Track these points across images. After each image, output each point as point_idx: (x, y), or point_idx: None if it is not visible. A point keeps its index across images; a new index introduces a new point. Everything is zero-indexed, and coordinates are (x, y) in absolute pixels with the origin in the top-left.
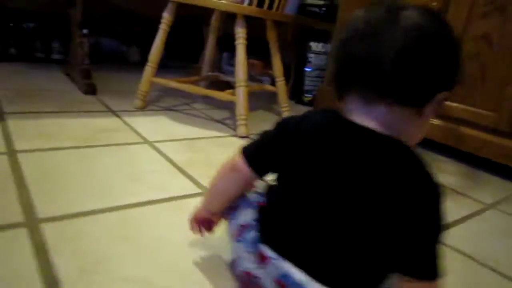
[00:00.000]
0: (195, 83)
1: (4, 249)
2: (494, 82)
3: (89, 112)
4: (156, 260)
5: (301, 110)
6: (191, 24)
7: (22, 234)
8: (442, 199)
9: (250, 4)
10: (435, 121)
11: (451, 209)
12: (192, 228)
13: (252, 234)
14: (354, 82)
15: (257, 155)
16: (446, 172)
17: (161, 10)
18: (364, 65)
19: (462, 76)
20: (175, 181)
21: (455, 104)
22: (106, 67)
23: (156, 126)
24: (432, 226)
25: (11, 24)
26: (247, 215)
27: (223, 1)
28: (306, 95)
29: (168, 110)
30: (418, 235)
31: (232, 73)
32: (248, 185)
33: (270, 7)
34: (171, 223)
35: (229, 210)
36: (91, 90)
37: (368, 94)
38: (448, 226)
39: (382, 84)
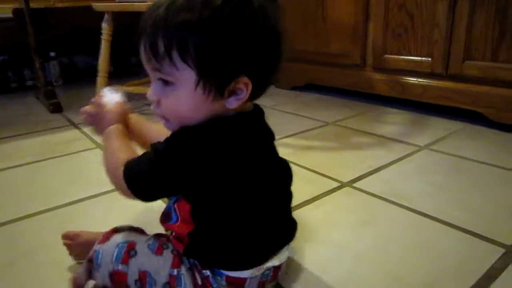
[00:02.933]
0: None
1: None
2: (422, 29)
3: (52, 129)
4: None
5: None
6: None
7: None
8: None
9: None
10: (379, 76)
11: (383, 156)
12: None
13: None
14: None
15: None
16: (389, 123)
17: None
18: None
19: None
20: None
21: (393, 56)
22: (81, 83)
23: None
24: None
25: None
26: None
27: None
28: None
29: None
30: None
31: None
32: None
33: None
34: (106, 212)
35: None
36: (56, 108)
37: None
38: (373, 173)
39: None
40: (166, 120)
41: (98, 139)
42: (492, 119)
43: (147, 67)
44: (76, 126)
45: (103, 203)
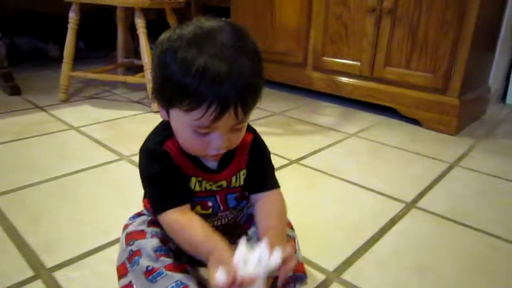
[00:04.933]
0: (112, 71)
1: None
2: (354, 38)
3: (18, 111)
4: (87, 206)
5: None
6: (105, 15)
7: None
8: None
9: None
10: (318, 75)
11: (321, 141)
12: None
13: None
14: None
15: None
16: (325, 114)
17: (66, 8)
18: None
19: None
20: (99, 153)
21: (330, 59)
22: (27, 66)
23: (80, 114)
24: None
25: None
26: None
27: None
28: None
29: (90, 98)
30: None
31: None
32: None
33: None
34: (97, 182)
35: None
36: (15, 91)
37: None
38: (314, 153)
39: None
40: (226, 151)
41: (72, 120)
42: (404, 114)
43: (227, 124)
44: (42, 108)
45: (95, 175)
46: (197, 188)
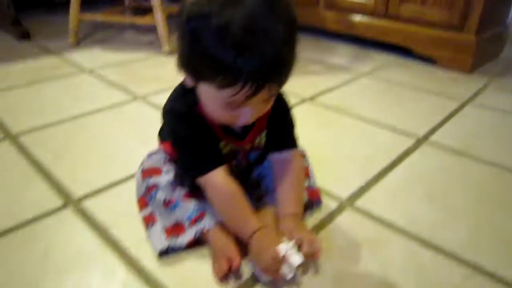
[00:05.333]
0: (120, 13)
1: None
2: None
3: (29, 56)
4: (107, 143)
5: None
6: None
7: (7, 146)
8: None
9: None
10: (331, 14)
11: (333, 80)
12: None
13: None
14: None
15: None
16: (338, 55)
17: None
18: None
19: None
20: (113, 95)
21: None
22: (33, 12)
23: (91, 57)
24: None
25: None
26: None
27: None
28: None
29: (100, 42)
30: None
31: None
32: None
33: None
34: (115, 122)
35: None
36: (25, 36)
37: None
38: (327, 92)
39: None
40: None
41: (84, 64)
42: (418, 53)
43: (260, 98)
44: (53, 53)
45: (112, 115)
46: (224, 150)
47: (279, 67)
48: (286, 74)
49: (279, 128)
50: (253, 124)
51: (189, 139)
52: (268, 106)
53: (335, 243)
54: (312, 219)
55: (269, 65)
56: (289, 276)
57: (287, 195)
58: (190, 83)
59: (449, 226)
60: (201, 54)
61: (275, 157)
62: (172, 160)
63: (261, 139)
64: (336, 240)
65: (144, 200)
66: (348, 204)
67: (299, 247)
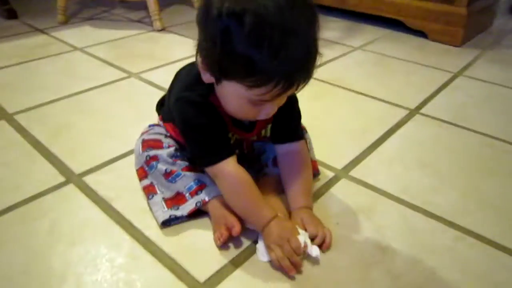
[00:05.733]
0: None
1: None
2: None
3: (18, 35)
4: (104, 120)
5: None
6: None
7: (4, 125)
8: None
9: None
10: None
11: (326, 54)
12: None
13: None
14: None
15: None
16: (331, 29)
17: None
18: None
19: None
20: (107, 72)
21: None
22: None
23: (82, 35)
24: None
25: None
26: None
27: None
28: None
29: (90, 19)
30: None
31: None
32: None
33: None
34: (110, 99)
35: None
36: (12, 14)
37: None
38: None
39: None
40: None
41: (74, 42)
42: (410, 26)
43: (287, 94)
44: (42, 31)
45: (107, 92)
46: (231, 141)
47: (310, 65)
48: (313, 69)
49: (286, 119)
50: None
51: (202, 127)
52: (286, 98)
53: (331, 210)
54: None
55: (302, 65)
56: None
57: (297, 188)
58: (209, 79)
59: (440, 192)
60: (232, 54)
61: (283, 149)
62: (173, 138)
63: (267, 130)
64: (332, 208)
65: (144, 170)
66: (343, 173)
67: (312, 240)
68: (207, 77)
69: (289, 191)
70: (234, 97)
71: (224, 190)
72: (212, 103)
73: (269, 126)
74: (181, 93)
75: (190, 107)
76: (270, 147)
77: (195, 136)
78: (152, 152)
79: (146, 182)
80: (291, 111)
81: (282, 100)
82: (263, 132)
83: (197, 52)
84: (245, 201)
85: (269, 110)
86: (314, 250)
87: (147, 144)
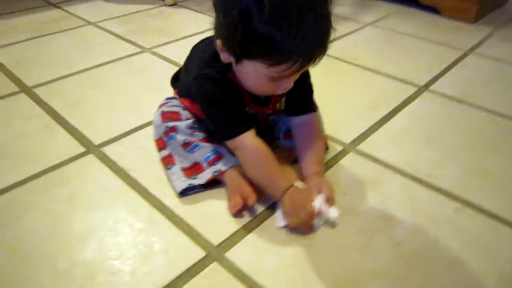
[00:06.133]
0: None
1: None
2: None
3: (32, 9)
4: (119, 93)
5: None
6: None
7: (23, 98)
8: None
9: None
10: None
11: (339, 31)
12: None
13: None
14: None
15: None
16: (342, 4)
17: None
18: None
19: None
20: (121, 47)
21: None
22: None
23: (95, 9)
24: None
25: None
26: None
27: None
28: None
29: None
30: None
31: None
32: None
33: None
34: (125, 73)
35: None
36: None
37: None
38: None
39: None
40: None
41: (87, 16)
42: (423, 2)
43: (305, 69)
44: (55, 5)
45: (121, 67)
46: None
47: (327, 40)
48: (329, 44)
49: (300, 92)
50: None
51: (222, 102)
52: (294, 79)
53: (339, 182)
54: None
55: (320, 41)
56: (318, 226)
57: (311, 156)
58: (227, 59)
59: (444, 166)
60: (253, 35)
61: (297, 121)
62: (190, 111)
63: (281, 104)
64: (340, 179)
65: (163, 141)
66: (351, 147)
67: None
68: (225, 57)
69: (302, 159)
70: (254, 74)
71: (244, 161)
72: (230, 79)
73: (283, 99)
74: (199, 71)
75: (209, 84)
76: (282, 120)
77: (215, 111)
78: (171, 124)
79: (164, 152)
80: (304, 84)
81: (298, 74)
82: (277, 105)
83: (215, 33)
84: (264, 172)
85: (287, 85)
86: (332, 212)
87: (166, 116)
